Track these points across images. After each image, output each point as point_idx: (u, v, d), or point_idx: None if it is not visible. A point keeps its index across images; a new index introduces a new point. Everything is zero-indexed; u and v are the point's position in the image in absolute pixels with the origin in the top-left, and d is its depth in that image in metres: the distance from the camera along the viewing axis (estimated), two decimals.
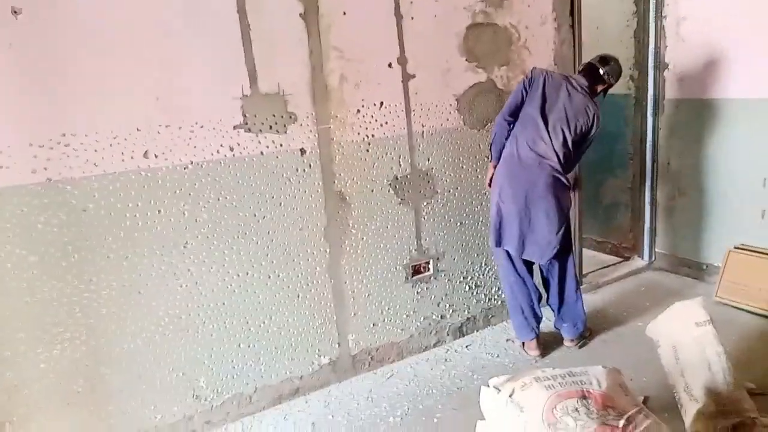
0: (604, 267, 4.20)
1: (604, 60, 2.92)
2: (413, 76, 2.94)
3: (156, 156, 2.34)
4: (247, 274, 2.61)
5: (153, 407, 2.45)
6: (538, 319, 3.05)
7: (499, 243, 2.93)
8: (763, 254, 3.42)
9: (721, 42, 3.55)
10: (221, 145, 2.48)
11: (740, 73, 3.49)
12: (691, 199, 3.89)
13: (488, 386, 2.11)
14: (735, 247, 3.56)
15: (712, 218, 3.79)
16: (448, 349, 3.20)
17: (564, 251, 2.96)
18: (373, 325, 3.01)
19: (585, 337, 3.17)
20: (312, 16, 2.60)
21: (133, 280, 2.34)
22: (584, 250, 3.95)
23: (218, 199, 2.50)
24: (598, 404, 1.86)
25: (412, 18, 2.87)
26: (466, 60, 3.10)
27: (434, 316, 3.22)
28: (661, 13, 3.83)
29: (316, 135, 2.71)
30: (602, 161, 4.35)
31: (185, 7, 2.31)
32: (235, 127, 2.50)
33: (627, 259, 4.32)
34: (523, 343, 3.10)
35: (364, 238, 2.91)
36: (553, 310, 3.15)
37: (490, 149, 2.98)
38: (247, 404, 2.68)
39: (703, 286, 3.78)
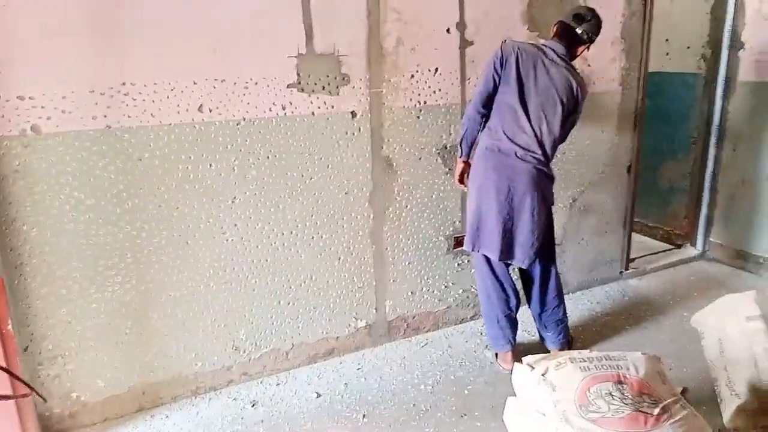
0: (653, 253, 4.07)
1: (580, 17, 2.48)
2: (471, 43, 2.87)
3: (210, 110, 2.37)
4: (292, 233, 2.64)
5: (194, 354, 2.55)
6: (515, 329, 2.75)
7: (475, 246, 2.61)
8: None
9: None
10: (274, 104, 2.49)
11: None
12: (756, 188, 3.70)
13: (521, 363, 2.11)
14: None
15: None
16: (485, 323, 3.18)
17: (548, 250, 2.69)
18: (412, 293, 3.02)
19: (570, 345, 2.85)
20: None
21: (182, 231, 2.41)
22: (633, 234, 3.83)
23: (268, 157, 2.52)
24: (633, 390, 1.83)
25: None
26: (528, 29, 3.00)
27: (473, 289, 3.20)
28: None
29: (368, 98, 2.69)
30: (662, 143, 4.19)
31: None
32: (288, 86, 2.50)
33: (678, 246, 4.17)
34: (497, 355, 2.80)
35: (408, 206, 2.90)
36: (533, 316, 2.84)
37: (460, 144, 2.63)
38: (284, 360, 2.76)
39: (757, 280, 3.63)
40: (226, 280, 2.55)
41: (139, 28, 2.18)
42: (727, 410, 2.22)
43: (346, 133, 2.67)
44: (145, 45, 2.21)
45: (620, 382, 1.85)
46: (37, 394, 1.37)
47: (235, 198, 2.49)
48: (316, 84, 2.56)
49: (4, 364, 1.90)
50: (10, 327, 2.03)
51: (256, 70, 2.42)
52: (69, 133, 2.15)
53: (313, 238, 2.70)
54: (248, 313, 2.63)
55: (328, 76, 2.58)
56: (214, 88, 2.36)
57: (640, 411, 1.76)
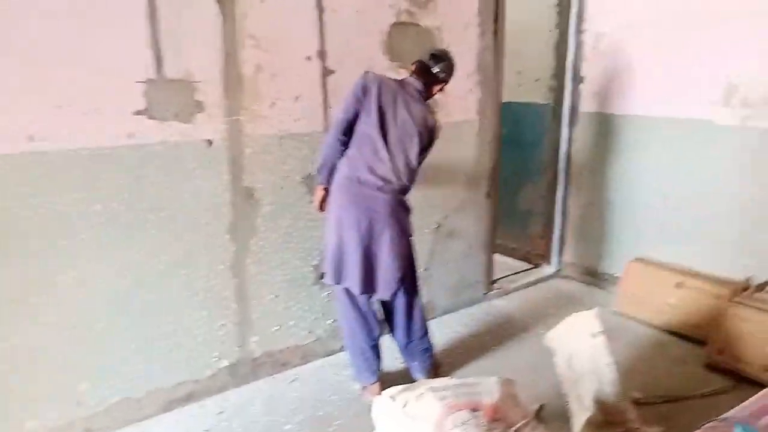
0: (515, 273, 4.29)
1: (437, 57, 2.59)
2: (333, 71, 2.86)
3: (46, 139, 2.14)
4: (143, 270, 2.45)
5: (31, 411, 2.26)
6: (380, 359, 2.75)
7: (337, 280, 2.58)
8: (659, 267, 3.57)
9: (630, 61, 3.69)
10: (119, 132, 2.31)
11: (646, 91, 3.64)
12: (600, 210, 4.03)
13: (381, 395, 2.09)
14: (635, 259, 3.71)
15: (617, 230, 3.95)
16: (349, 356, 3.14)
17: (410, 281, 2.70)
18: (279, 327, 2.92)
19: (436, 371, 2.87)
20: (227, 1, 2.47)
21: (17, 276, 2.15)
22: (498, 256, 4.01)
23: (114, 189, 2.33)
24: (488, 416, 1.87)
25: (334, 11, 2.80)
26: (389, 59, 3.06)
27: None
28: (581, 27, 3.94)
29: (225, 126, 2.58)
30: (520, 168, 4.46)
31: None
32: (136, 113, 2.34)
33: (537, 266, 4.44)
34: (364, 387, 2.75)
35: (273, 237, 2.81)
36: (399, 347, 2.83)
37: (318, 171, 2.63)
38: (136, 410, 2.53)
39: (605, 295, 3.91)
40: (69, 326, 2.30)
41: None
42: (577, 424, 2.36)
43: (202, 162, 2.54)
44: None
45: (475, 410, 1.88)
46: None
47: (77, 235, 2.26)
48: (167, 111, 2.41)
49: None
50: None
51: (97, 95, 2.23)
52: None
53: (167, 274, 2.52)
54: (93, 361, 2.38)
55: (180, 102, 2.44)
56: (49, 115, 2.14)
57: None
